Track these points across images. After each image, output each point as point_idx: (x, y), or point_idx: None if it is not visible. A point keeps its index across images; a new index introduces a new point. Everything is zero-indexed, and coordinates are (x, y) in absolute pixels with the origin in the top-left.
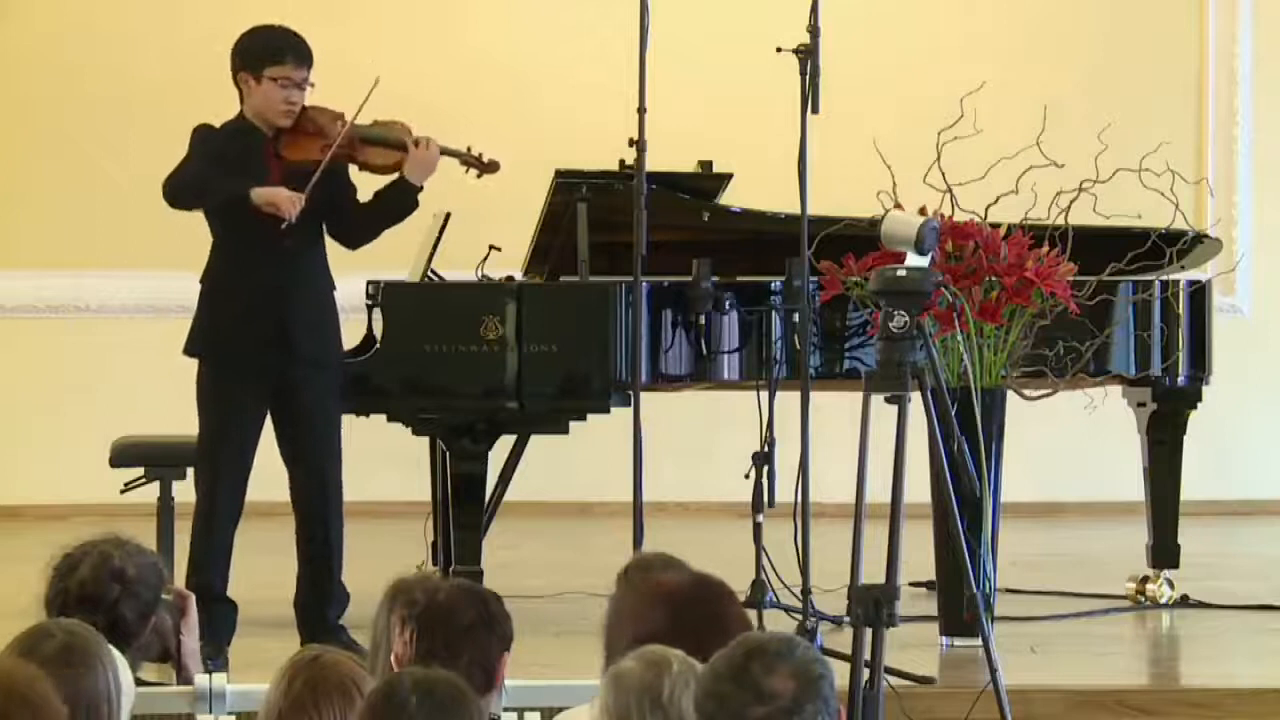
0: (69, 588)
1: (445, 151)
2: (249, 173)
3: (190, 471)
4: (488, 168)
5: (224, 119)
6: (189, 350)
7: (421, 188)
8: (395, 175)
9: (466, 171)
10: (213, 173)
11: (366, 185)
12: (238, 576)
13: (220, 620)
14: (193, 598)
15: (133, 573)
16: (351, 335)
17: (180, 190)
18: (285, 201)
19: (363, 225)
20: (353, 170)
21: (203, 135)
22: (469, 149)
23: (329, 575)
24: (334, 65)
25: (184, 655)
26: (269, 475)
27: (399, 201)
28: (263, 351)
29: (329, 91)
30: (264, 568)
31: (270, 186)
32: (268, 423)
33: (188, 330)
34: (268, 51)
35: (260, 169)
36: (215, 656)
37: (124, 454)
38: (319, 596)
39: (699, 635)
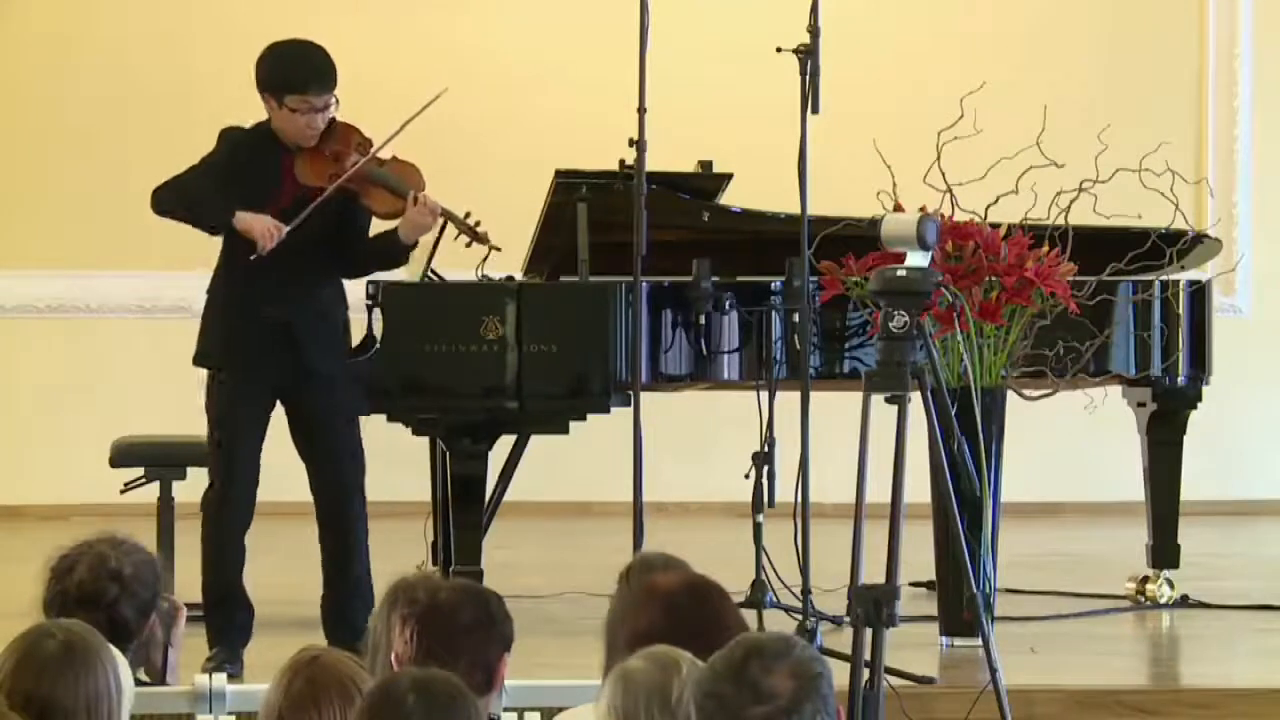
0: (67, 589)
1: (444, 214)
2: (264, 187)
3: (190, 472)
4: (480, 238)
5: (224, 120)
6: (199, 361)
7: (413, 245)
8: (398, 218)
9: (456, 238)
10: (205, 191)
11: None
12: (255, 576)
13: (234, 625)
14: (184, 610)
15: (130, 571)
16: (351, 335)
17: (165, 201)
18: (262, 233)
19: (358, 261)
20: None
21: (230, 141)
22: (466, 215)
23: (348, 579)
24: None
25: (168, 669)
26: (278, 475)
27: (389, 253)
28: (273, 364)
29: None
30: (270, 568)
31: (258, 215)
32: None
33: (195, 336)
34: (290, 80)
35: (274, 185)
36: (231, 661)
37: (124, 454)
38: (338, 600)
39: (693, 635)
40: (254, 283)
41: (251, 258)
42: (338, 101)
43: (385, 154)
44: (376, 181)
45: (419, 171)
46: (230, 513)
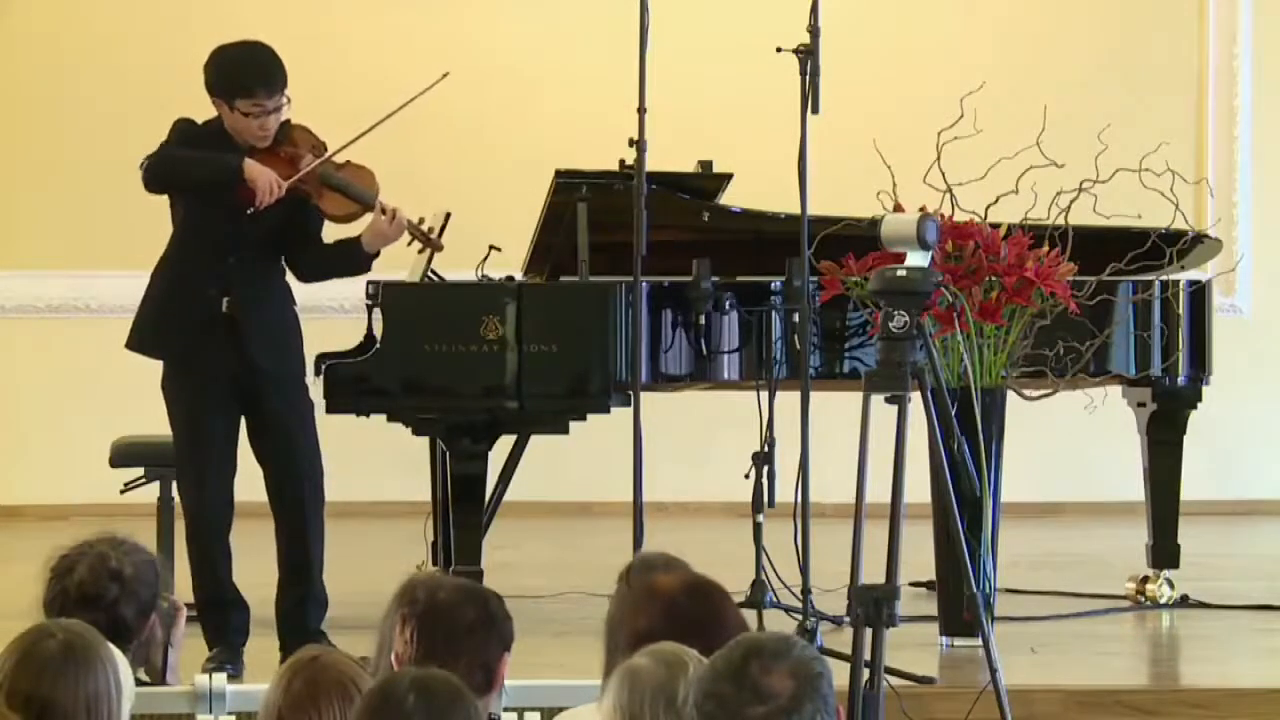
0: (67, 589)
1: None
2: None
3: None
4: (433, 245)
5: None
6: (132, 345)
7: (375, 255)
8: (353, 223)
9: (410, 244)
10: (205, 150)
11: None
12: (240, 576)
13: (230, 625)
14: (184, 610)
15: (130, 572)
16: (351, 335)
17: (166, 165)
18: (266, 184)
19: (314, 264)
20: None
21: (184, 129)
22: (420, 220)
23: (305, 581)
24: (333, 66)
25: (168, 669)
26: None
27: (351, 261)
28: (220, 359)
29: (330, 94)
30: (264, 569)
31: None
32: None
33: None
34: (237, 84)
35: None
36: (231, 661)
37: (124, 454)
38: (295, 602)
39: (693, 636)
40: (199, 272)
41: (249, 211)
42: (289, 101)
43: (340, 159)
44: (331, 184)
45: (374, 177)
46: (201, 518)
